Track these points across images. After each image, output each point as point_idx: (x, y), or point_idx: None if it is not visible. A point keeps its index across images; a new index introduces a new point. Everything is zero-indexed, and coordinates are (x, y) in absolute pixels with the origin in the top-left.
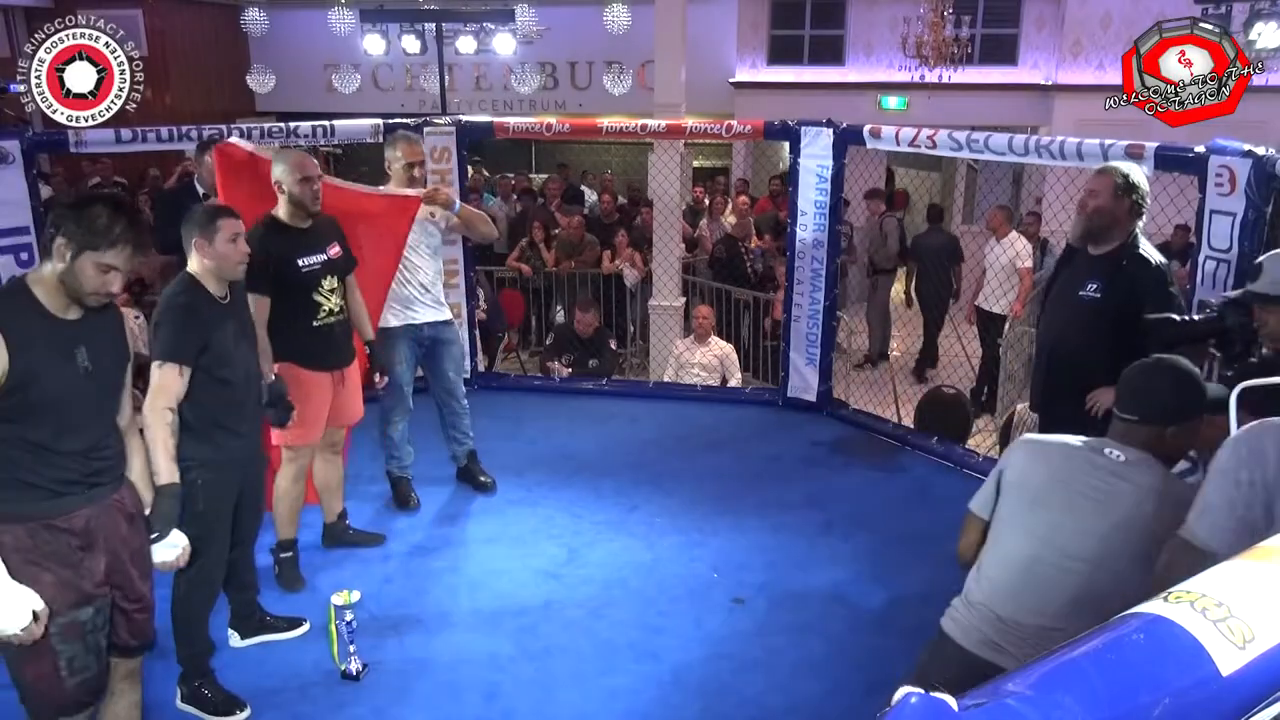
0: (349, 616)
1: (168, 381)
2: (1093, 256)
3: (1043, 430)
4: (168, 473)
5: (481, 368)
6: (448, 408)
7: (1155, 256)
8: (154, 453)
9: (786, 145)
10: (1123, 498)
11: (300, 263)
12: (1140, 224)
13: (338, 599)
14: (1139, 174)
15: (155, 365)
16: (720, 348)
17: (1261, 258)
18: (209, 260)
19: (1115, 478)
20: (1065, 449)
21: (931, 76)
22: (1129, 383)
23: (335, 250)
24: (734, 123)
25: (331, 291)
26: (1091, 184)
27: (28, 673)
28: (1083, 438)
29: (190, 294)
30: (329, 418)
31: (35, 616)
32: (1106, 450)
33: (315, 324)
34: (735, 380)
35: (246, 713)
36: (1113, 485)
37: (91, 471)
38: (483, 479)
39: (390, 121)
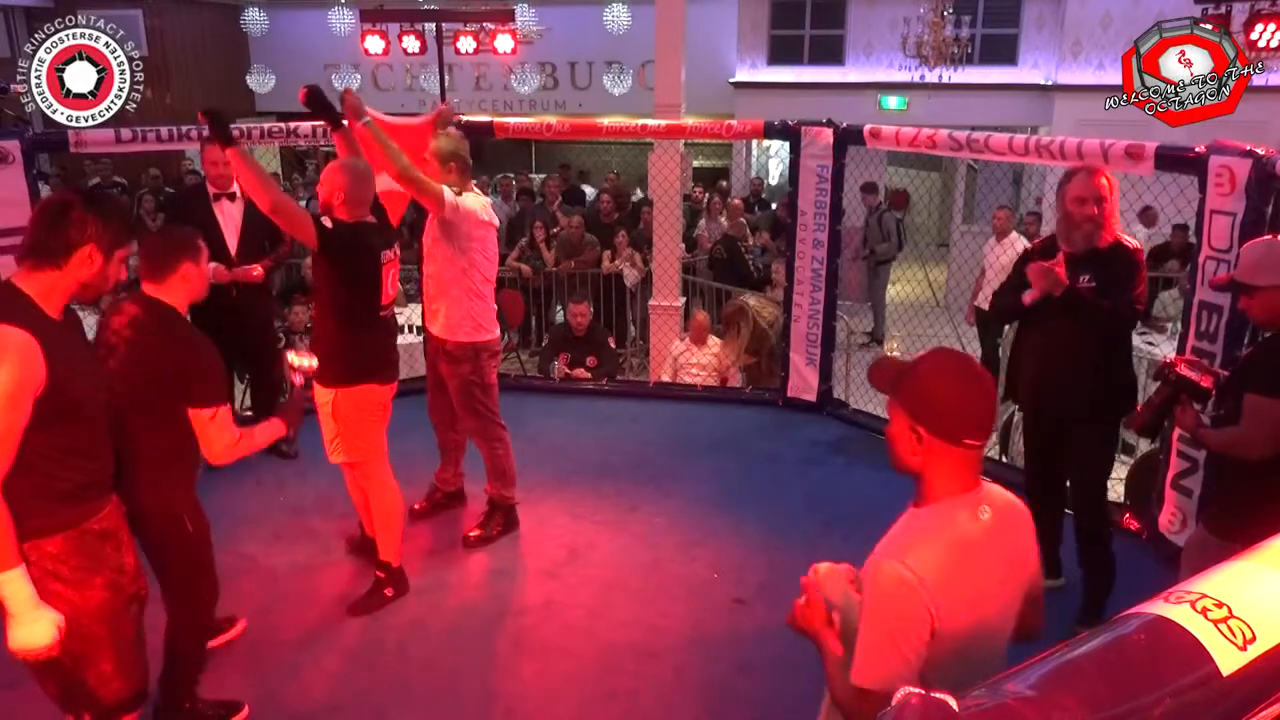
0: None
1: (228, 421)
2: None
3: (1030, 426)
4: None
5: None
6: None
7: (1133, 242)
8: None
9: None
10: None
11: (383, 256)
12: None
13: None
14: (1102, 165)
15: (207, 412)
16: (716, 345)
17: (1240, 248)
18: (188, 285)
19: None
20: None
21: (931, 76)
22: None
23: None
24: (734, 123)
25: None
26: (1078, 191)
27: (89, 676)
28: None
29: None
30: None
31: (58, 631)
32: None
33: (382, 311)
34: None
35: (245, 712)
36: None
37: (108, 467)
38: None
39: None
